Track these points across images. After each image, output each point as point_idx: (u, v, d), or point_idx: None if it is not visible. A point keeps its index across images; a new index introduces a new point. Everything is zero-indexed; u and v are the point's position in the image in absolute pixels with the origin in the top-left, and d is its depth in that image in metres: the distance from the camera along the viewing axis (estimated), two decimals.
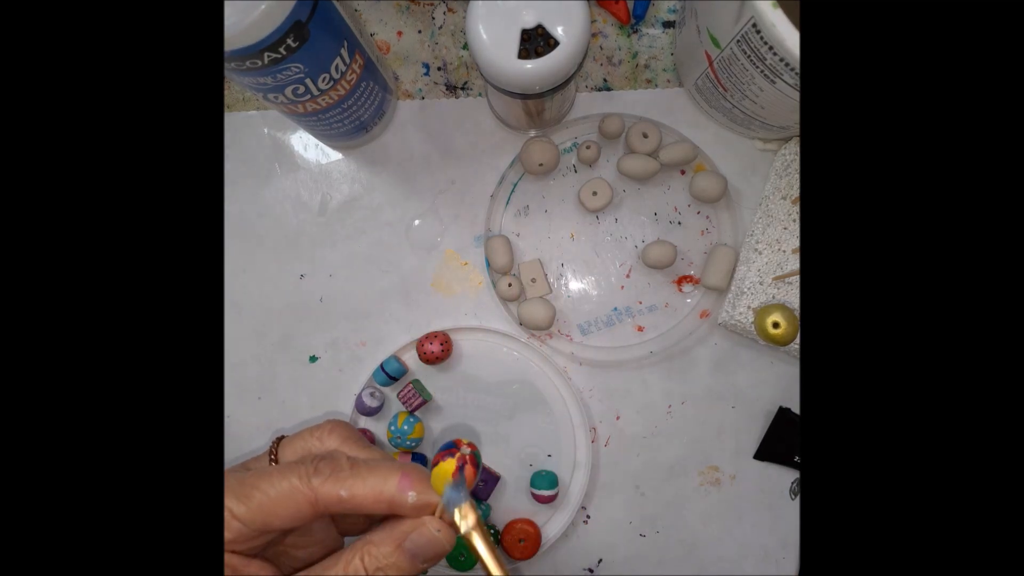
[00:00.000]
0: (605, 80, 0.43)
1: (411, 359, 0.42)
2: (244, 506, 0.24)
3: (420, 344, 0.40)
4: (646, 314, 0.42)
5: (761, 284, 0.39)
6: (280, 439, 0.29)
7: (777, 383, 0.42)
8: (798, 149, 0.40)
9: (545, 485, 0.40)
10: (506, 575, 0.25)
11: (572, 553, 0.42)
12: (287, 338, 0.43)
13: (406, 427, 0.40)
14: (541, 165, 0.40)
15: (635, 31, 0.42)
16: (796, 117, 0.36)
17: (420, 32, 0.43)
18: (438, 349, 0.40)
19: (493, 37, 0.31)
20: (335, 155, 0.43)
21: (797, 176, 0.40)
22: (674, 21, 0.42)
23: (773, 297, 0.39)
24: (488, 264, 0.42)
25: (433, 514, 0.25)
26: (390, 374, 0.41)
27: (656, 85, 0.43)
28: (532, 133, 0.42)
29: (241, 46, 0.27)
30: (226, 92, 0.43)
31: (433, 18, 0.43)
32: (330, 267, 0.43)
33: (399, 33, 0.43)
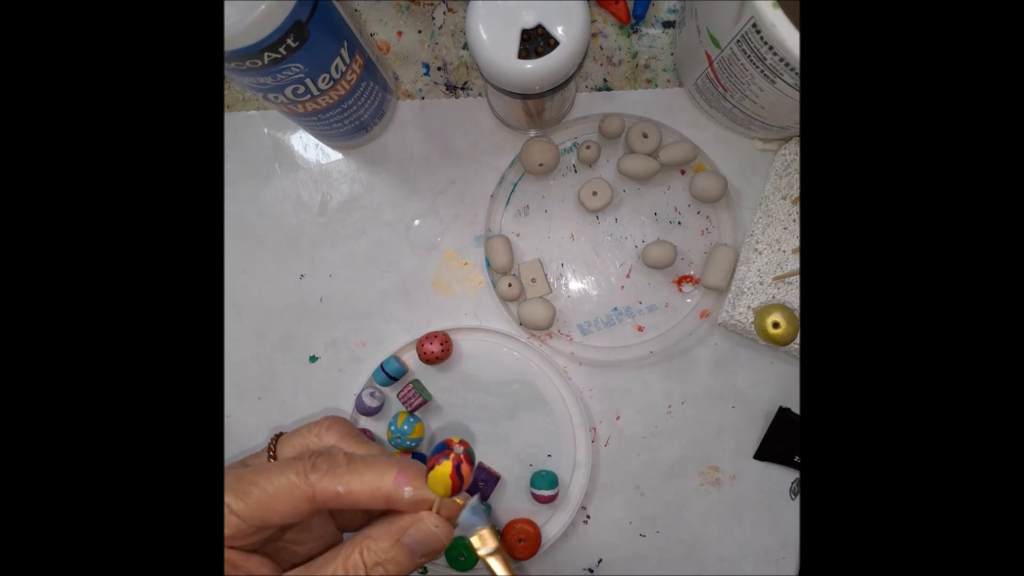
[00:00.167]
0: (605, 80, 0.43)
1: (411, 359, 0.42)
2: (242, 502, 0.24)
3: (420, 344, 0.40)
4: (646, 314, 0.42)
5: (761, 284, 0.39)
6: (279, 435, 0.29)
7: (777, 383, 0.42)
8: (798, 149, 0.40)
9: (545, 485, 0.40)
10: None
11: (572, 553, 0.42)
12: (287, 338, 0.43)
13: (406, 427, 0.40)
14: (541, 165, 0.40)
15: (635, 31, 0.42)
16: (796, 117, 0.36)
17: (420, 32, 0.43)
18: (438, 349, 0.40)
19: (493, 37, 0.31)
20: (335, 155, 0.43)
21: (797, 176, 0.40)
22: (674, 21, 0.42)
23: (773, 297, 0.39)
24: (488, 264, 0.42)
25: (430, 509, 0.25)
26: (390, 374, 0.41)
27: (656, 85, 0.43)
28: (532, 133, 0.42)
29: (241, 46, 0.27)
30: (226, 92, 0.43)
31: (433, 18, 0.43)
32: (330, 267, 0.43)
33: (399, 33, 0.43)
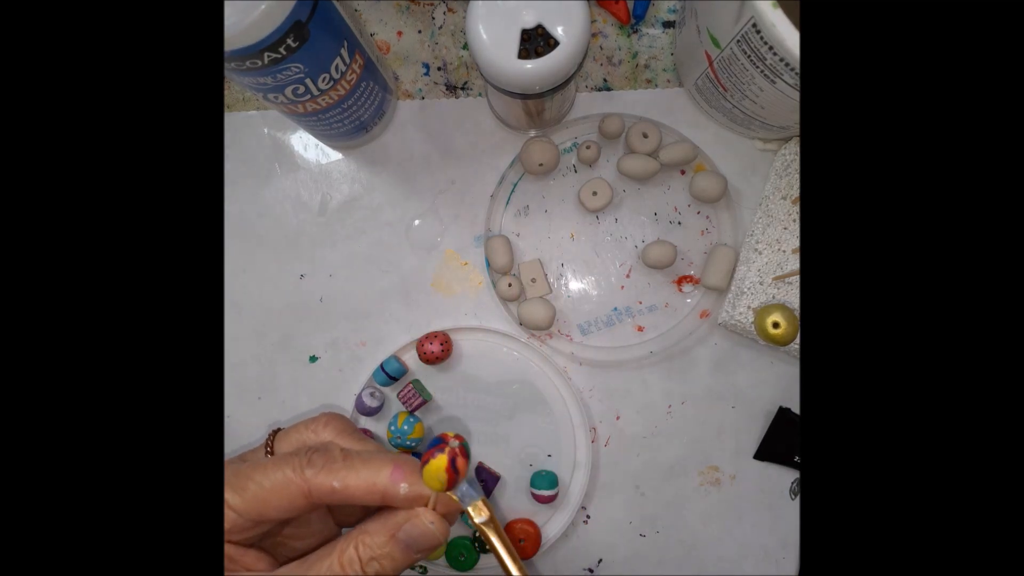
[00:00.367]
0: (605, 80, 0.43)
1: (411, 359, 0.42)
2: (239, 497, 0.24)
3: (420, 344, 0.40)
4: (646, 314, 0.42)
5: (761, 284, 0.39)
6: (276, 431, 0.29)
7: (777, 383, 0.42)
8: (798, 149, 0.40)
9: (545, 485, 0.40)
10: (521, 570, 0.25)
11: (572, 553, 0.42)
12: (287, 338, 0.43)
13: (406, 427, 0.40)
14: (541, 165, 0.40)
15: (635, 31, 0.42)
16: (796, 117, 0.36)
17: (420, 32, 0.43)
18: (438, 349, 0.40)
19: (493, 37, 0.31)
20: (335, 155, 0.43)
21: (797, 176, 0.40)
22: (674, 21, 0.42)
23: (773, 297, 0.39)
24: (488, 264, 0.42)
25: (426, 506, 0.26)
26: (390, 374, 0.41)
27: (656, 85, 0.43)
28: (532, 133, 0.42)
29: (241, 46, 0.27)
30: (226, 92, 0.43)
31: (433, 18, 0.43)
32: (330, 267, 0.43)
33: (399, 33, 0.43)
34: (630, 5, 0.42)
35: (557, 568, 0.42)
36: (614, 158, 0.42)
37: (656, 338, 0.42)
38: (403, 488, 0.25)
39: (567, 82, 0.34)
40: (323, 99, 0.34)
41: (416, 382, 0.41)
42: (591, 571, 0.43)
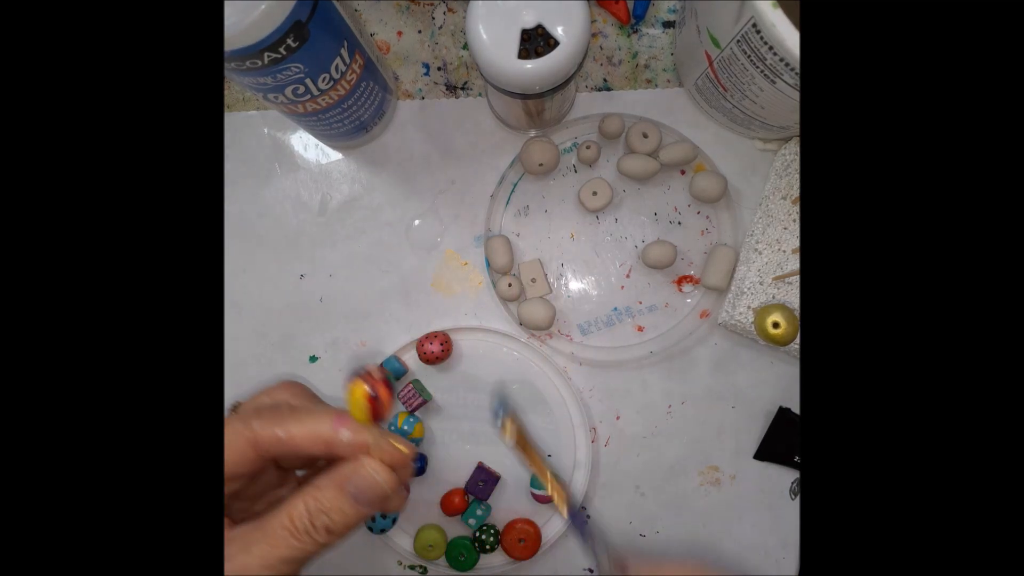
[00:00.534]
0: (605, 80, 0.43)
1: (411, 359, 0.42)
2: None
3: (420, 344, 0.40)
4: (646, 314, 0.42)
5: (761, 284, 0.39)
6: (237, 405, 0.29)
7: (777, 383, 0.42)
8: (798, 149, 0.40)
9: None
10: (550, 474, 0.25)
11: (572, 553, 0.42)
12: (287, 338, 0.43)
13: (406, 427, 0.40)
14: (541, 165, 0.40)
15: (635, 31, 0.42)
16: (796, 117, 0.36)
17: (420, 32, 0.43)
18: (438, 349, 0.40)
19: (493, 37, 0.31)
20: (335, 155, 0.43)
21: (797, 176, 0.40)
22: (674, 21, 0.42)
23: (773, 297, 0.39)
24: (488, 264, 0.42)
25: (370, 455, 0.26)
26: (390, 374, 0.41)
27: (656, 85, 0.43)
28: (532, 133, 0.42)
29: (241, 46, 0.27)
30: (226, 92, 0.43)
31: (433, 18, 0.43)
32: (330, 267, 0.43)
33: (399, 33, 0.43)
34: (630, 5, 0.42)
35: (557, 568, 0.42)
36: (614, 158, 0.42)
37: (656, 338, 0.42)
38: (344, 434, 0.25)
39: (567, 82, 0.34)
40: (323, 99, 0.34)
41: (416, 382, 0.41)
42: (591, 571, 0.43)
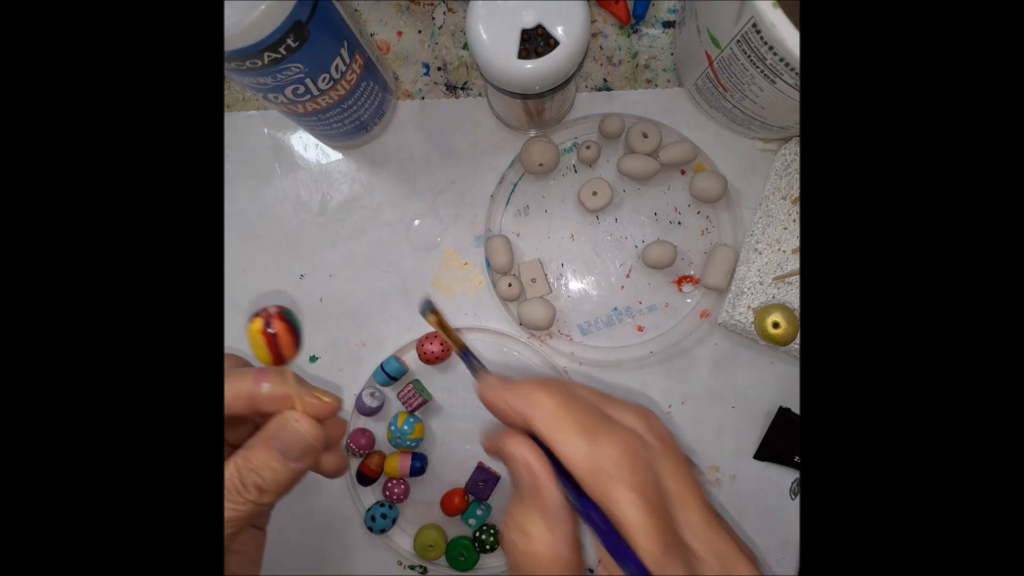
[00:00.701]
0: (605, 80, 0.43)
1: (411, 359, 0.42)
2: None
3: (420, 344, 0.40)
4: (646, 314, 0.42)
5: (761, 284, 0.39)
6: None
7: (777, 383, 0.42)
8: (798, 149, 0.40)
9: None
10: (460, 340, 0.28)
11: None
12: None
13: (406, 427, 0.40)
14: (541, 165, 0.40)
15: (635, 31, 0.42)
16: (796, 117, 0.36)
17: (420, 32, 0.43)
18: (438, 349, 0.40)
19: (493, 37, 0.31)
20: (335, 155, 0.43)
21: (797, 176, 0.40)
22: (674, 21, 0.42)
23: (773, 297, 0.39)
24: (488, 264, 0.42)
25: (294, 408, 0.26)
26: (390, 374, 0.41)
27: (656, 85, 0.43)
28: (532, 133, 0.42)
29: (241, 46, 0.27)
30: (226, 92, 0.43)
31: (433, 18, 0.43)
32: (330, 267, 0.43)
33: (399, 33, 0.43)
34: (630, 5, 0.42)
35: None
36: (614, 158, 0.42)
37: (656, 338, 0.42)
38: (265, 387, 0.26)
39: (567, 82, 0.34)
40: (323, 99, 0.34)
41: (416, 382, 0.41)
42: (591, 571, 0.43)
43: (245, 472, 0.25)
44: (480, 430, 0.42)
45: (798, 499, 0.42)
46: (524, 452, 0.21)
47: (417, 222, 0.43)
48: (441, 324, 0.30)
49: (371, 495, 0.42)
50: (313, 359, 0.43)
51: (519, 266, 0.42)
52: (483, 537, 0.41)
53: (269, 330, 0.24)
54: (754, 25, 0.30)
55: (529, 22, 0.31)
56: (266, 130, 0.43)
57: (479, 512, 0.41)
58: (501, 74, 0.32)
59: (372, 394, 0.41)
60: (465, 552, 0.41)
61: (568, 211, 0.42)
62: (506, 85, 0.33)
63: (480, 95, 0.43)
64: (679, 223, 0.42)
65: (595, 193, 0.41)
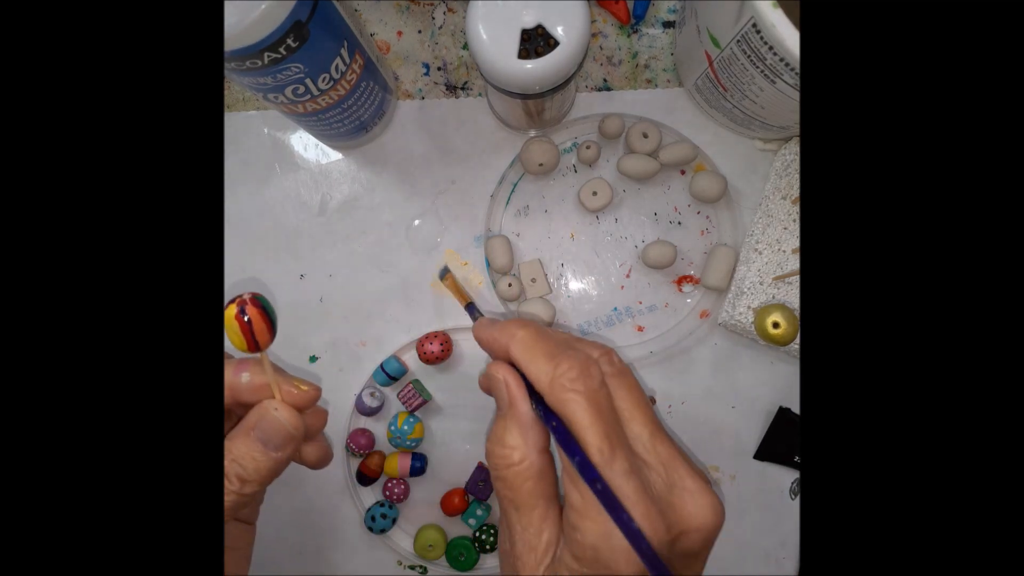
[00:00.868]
0: (605, 80, 0.43)
1: (411, 359, 0.42)
2: None
3: (420, 344, 0.40)
4: (646, 314, 0.42)
5: (761, 284, 0.39)
6: None
7: (777, 383, 0.42)
8: (798, 149, 0.40)
9: None
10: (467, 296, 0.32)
11: None
12: (287, 338, 0.43)
13: (406, 427, 0.40)
14: (541, 165, 0.40)
15: (635, 31, 0.42)
16: (796, 117, 0.36)
17: (420, 32, 0.43)
18: (438, 349, 0.40)
19: (493, 37, 0.31)
20: (335, 155, 0.43)
21: (797, 176, 0.40)
22: (674, 21, 0.42)
23: (773, 297, 0.39)
24: (488, 264, 0.42)
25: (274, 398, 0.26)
26: (390, 374, 0.41)
27: (656, 85, 0.43)
28: (532, 133, 0.42)
29: (241, 46, 0.27)
30: (226, 92, 0.43)
31: (433, 18, 0.43)
32: (330, 267, 0.43)
33: (399, 33, 0.43)
34: (630, 5, 0.42)
35: None
36: (614, 158, 0.42)
37: (656, 338, 0.42)
38: (245, 377, 0.26)
39: (567, 82, 0.34)
40: (323, 99, 0.34)
41: (416, 382, 0.41)
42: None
43: (226, 463, 0.25)
44: (483, 432, 0.42)
45: (798, 499, 0.42)
46: (504, 373, 0.25)
47: (417, 222, 0.43)
48: (455, 285, 0.35)
49: (371, 495, 0.42)
50: (313, 359, 0.43)
51: (519, 266, 0.42)
52: (483, 537, 0.41)
53: (243, 316, 0.24)
54: (754, 25, 0.30)
55: (529, 22, 0.31)
56: (266, 130, 0.43)
57: (479, 512, 0.41)
58: (501, 74, 0.32)
59: (372, 394, 0.41)
60: (465, 552, 0.41)
61: (568, 211, 0.42)
62: (506, 85, 0.33)
63: (480, 95, 0.43)
64: (679, 223, 0.42)
65: (595, 193, 0.41)
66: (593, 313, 0.42)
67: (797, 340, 0.38)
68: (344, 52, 0.32)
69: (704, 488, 0.23)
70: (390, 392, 0.42)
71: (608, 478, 0.22)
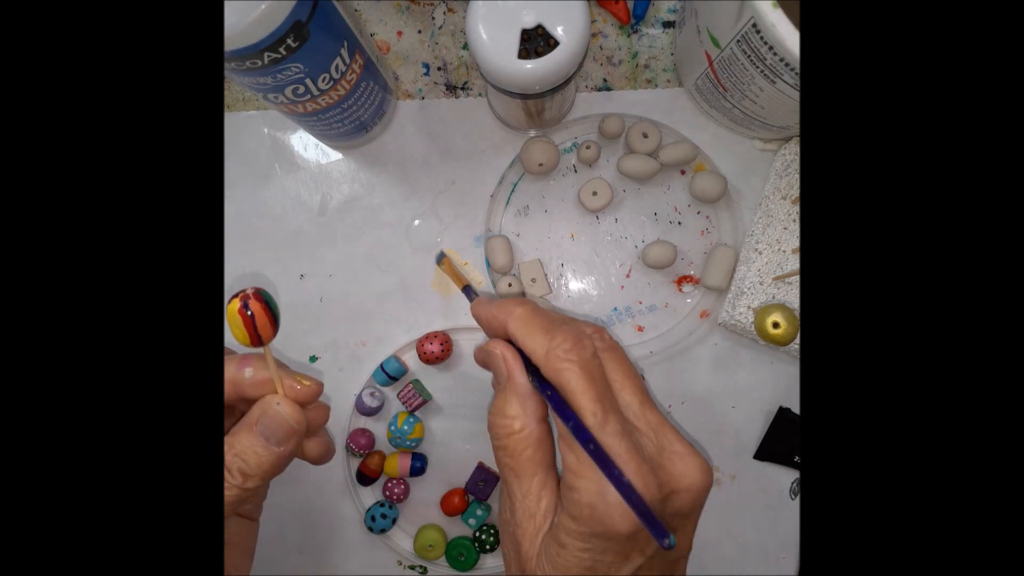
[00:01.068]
0: (605, 80, 0.43)
1: (411, 359, 0.42)
2: None
3: (420, 344, 0.40)
4: (646, 314, 0.42)
5: (761, 284, 0.39)
6: None
7: (777, 383, 0.42)
8: (798, 149, 0.40)
9: None
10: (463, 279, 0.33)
11: None
12: (287, 338, 0.43)
13: (406, 427, 0.40)
14: (541, 165, 0.40)
15: (635, 31, 0.42)
16: (796, 117, 0.36)
17: (420, 32, 0.43)
18: (438, 349, 0.40)
19: (493, 37, 0.31)
20: (335, 155, 0.43)
21: (797, 176, 0.40)
22: (674, 21, 0.42)
23: (773, 297, 0.39)
24: (488, 264, 0.42)
25: (276, 392, 0.26)
26: (390, 374, 0.41)
27: (656, 85, 0.43)
28: (532, 133, 0.42)
29: (241, 46, 0.27)
30: (226, 92, 0.43)
31: (433, 18, 0.43)
32: (330, 267, 0.43)
33: (399, 33, 0.43)
34: (630, 5, 0.42)
35: None
36: (614, 158, 0.42)
37: (656, 338, 0.42)
38: (248, 372, 0.26)
39: (567, 82, 0.34)
40: (323, 99, 0.34)
41: (416, 382, 0.41)
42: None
43: (229, 457, 0.25)
44: (484, 432, 0.42)
45: (798, 499, 0.42)
46: (502, 348, 0.26)
47: (417, 222, 0.43)
48: (451, 268, 0.36)
49: (371, 495, 0.42)
50: (313, 359, 0.43)
51: (519, 266, 0.42)
52: (483, 537, 0.41)
53: (247, 311, 0.24)
54: (754, 25, 0.30)
55: (529, 22, 0.31)
56: (266, 130, 0.43)
57: (479, 512, 0.41)
58: (501, 74, 0.32)
59: (372, 394, 0.41)
60: (465, 552, 0.41)
61: (568, 211, 0.42)
62: (506, 85, 0.33)
63: (480, 95, 0.43)
64: (679, 223, 0.42)
65: (595, 193, 0.41)
66: (593, 313, 0.42)
67: (797, 340, 0.38)
68: (344, 52, 0.32)
69: (692, 451, 0.25)
70: (390, 392, 0.42)
71: (600, 439, 0.23)
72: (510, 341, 0.27)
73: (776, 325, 0.37)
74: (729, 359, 0.42)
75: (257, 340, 0.25)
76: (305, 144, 0.43)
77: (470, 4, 0.31)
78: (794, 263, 0.39)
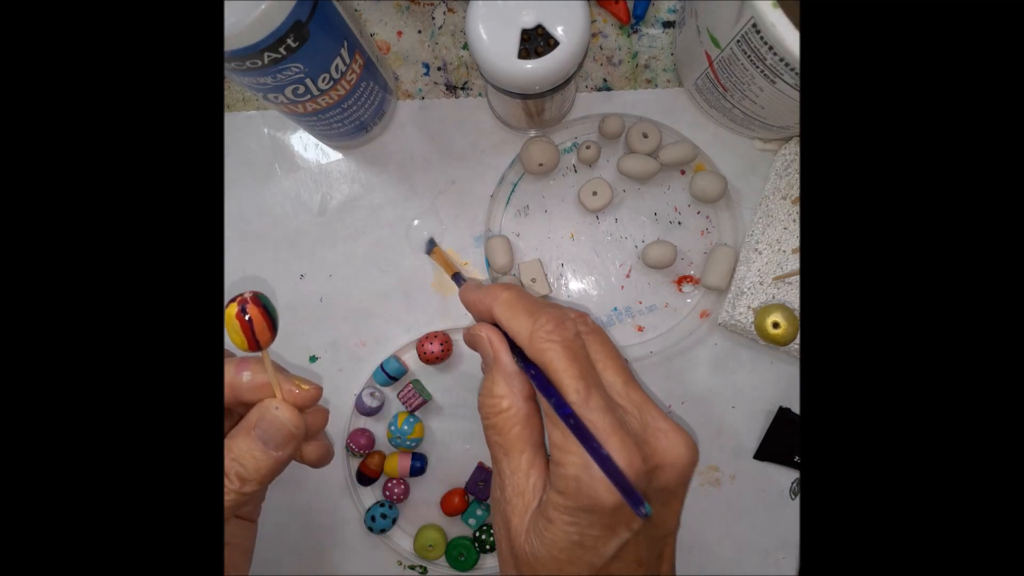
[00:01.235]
0: (605, 80, 0.43)
1: (411, 359, 0.42)
2: None
3: (420, 344, 0.40)
4: (646, 314, 0.42)
5: (761, 284, 0.39)
6: None
7: (777, 383, 0.42)
8: (798, 149, 0.40)
9: None
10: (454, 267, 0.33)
11: None
12: (287, 338, 0.43)
13: (406, 427, 0.40)
14: (541, 165, 0.40)
15: (635, 31, 0.42)
16: (796, 117, 0.36)
17: (420, 32, 0.43)
18: (438, 349, 0.40)
19: (493, 37, 0.31)
20: (335, 155, 0.43)
21: (797, 176, 0.40)
22: (674, 21, 0.42)
23: (773, 297, 0.39)
24: (488, 264, 0.42)
25: (275, 397, 0.26)
26: (390, 374, 0.41)
27: (656, 85, 0.43)
28: (532, 133, 0.42)
29: (241, 46, 0.27)
30: (226, 92, 0.43)
31: (433, 18, 0.43)
32: (330, 267, 0.43)
33: (399, 33, 0.43)
34: (630, 5, 0.42)
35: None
36: (614, 158, 0.42)
37: (656, 338, 0.42)
38: (246, 376, 0.26)
39: (567, 82, 0.34)
40: (323, 99, 0.34)
41: (416, 382, 0.41)
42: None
43: (227, 462, 0.25)
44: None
45: (798, 499, 0.42)
46: (487, 331, 0.27)
47: (417, 222, 0.43)
48: (441, 256, 0.38)
49: (371, 495, 0.42)
50: (313, 359, 0.43)
51: (519, 266, 0.42)
52: (483, 537, 0.41)
53: (245, 315, 0.24)
54: (754, 25, 0.30)
55: (529, 22, 0.31)
56: (266, 130, 0.43)
57: (479, 512, 0.41)
58: (501, 74, 0.32)
59: (372, 394, 0.41)
60: (465, 552, 0.41)
61: (568, 211, 0.42)
62: (506, 85, 0.33)
63: (480, 95, 0.43)
64: (679, 223, 0.42)
65: (595, 193, 0.41)
66: (593, 313, 0.42)
67: (797, 340, 0.38)
68: (344, 52, 0.32)
69: (676, 428, 0.25)
70: (390, 392, 0.42)
71: (584, 414, 0.23)
72: (497, 325, 0.27)
73: (776, 325, 0.37)
74: (729, 359, 0.42)
75: (255, 345, 0.25)
76: (305, 144, 0.43)
77: (470, 4, 0.31)
78: (794, 263, 0.39)
